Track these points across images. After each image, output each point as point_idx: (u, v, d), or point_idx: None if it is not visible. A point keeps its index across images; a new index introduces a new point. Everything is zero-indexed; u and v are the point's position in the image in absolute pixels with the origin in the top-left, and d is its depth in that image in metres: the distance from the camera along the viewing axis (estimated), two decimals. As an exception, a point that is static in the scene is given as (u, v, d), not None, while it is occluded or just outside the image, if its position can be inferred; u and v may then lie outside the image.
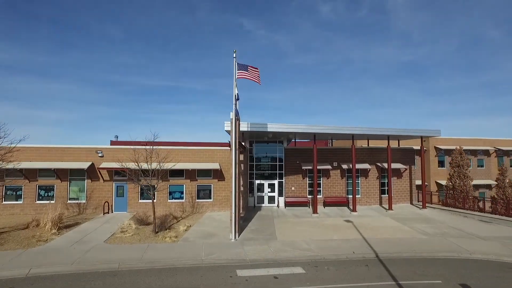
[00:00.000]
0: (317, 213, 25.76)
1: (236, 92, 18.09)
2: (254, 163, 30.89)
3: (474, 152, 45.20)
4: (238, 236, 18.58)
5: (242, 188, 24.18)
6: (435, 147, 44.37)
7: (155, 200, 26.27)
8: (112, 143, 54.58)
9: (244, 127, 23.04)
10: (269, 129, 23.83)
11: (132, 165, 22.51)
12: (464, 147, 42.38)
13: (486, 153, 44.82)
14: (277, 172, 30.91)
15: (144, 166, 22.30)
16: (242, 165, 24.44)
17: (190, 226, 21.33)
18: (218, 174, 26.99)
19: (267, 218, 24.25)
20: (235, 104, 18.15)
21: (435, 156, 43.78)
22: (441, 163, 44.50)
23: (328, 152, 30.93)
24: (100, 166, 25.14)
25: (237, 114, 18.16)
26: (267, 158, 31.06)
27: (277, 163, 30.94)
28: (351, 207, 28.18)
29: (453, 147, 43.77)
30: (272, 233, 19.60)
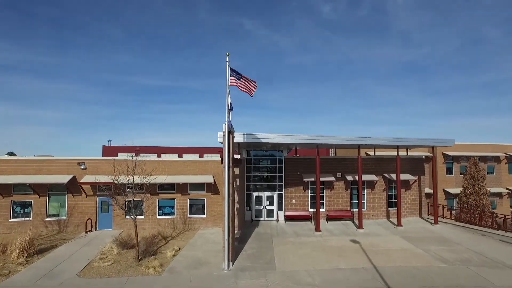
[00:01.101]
0: (320, 230, 23.52)
1: (230, 101, 15.86)
2: (252, 174, 28.67)
3: (483, 159, 43.06)
4: (232, 264, 16.34)
5: (237, 205, 21.96)
6: (443, 154, 42.18)
7: (142, 217, 24.11)
8: (104, 149, 52.36)
9: (239, 137, 20.81)
10: (267, 140, 21.62)
11: (120, 178, 20.33)
12: (474, 154, 40.20)
13: (496, 159, 42.63)
14: (276, 183, 28.69)
15: (129, 180, 20.14)
16: (237, 179, 22.20)
17: (180, 249, 19.09)
18: (212, 188, 24.76)
19: (265, 238, 22.02)
20: (228, 115, 15.92)
21: (443, 162, 41.59)
22: (449, 170, 42.32)
23: (331, 162, 28.70)
24: (81, 181, 22.87)
25: (230, 126, 15.93)
26: (266, 169, 28.85)
27: (276, 174, 28.72)
28: (357, 223, 25.97)
29: (462, 154, 41.63)
30: (271, 259, 17.37)
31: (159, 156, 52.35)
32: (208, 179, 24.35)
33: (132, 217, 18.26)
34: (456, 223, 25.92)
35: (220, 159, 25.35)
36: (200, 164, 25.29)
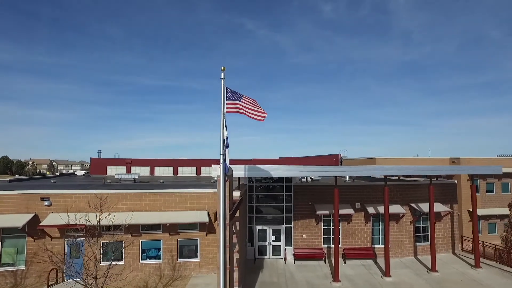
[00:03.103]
0: (338, 280, 19.06)
1: (225, 135, 11.43)
2: (254, 204, 24.26)
3: (510, 175, 38.84)
4: None
5: (237, 248, 17.55)
6: (467, 170, 37.82)
7: (122, 262, 19.72)
8: (93, 162, 47.89)
9: (239, 171, 16.42)
10: (275, 174, 17.31)
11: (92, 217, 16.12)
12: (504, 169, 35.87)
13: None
14: (284, 215, 24.27)
15: (103, 220, 15.99)
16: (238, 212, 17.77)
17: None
18: (206, 226, 20.33)
19: (273, 295, 17.59)
20: (224, 153, 11.48)
21: (467, 180, 37.19)
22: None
23: (348, 190, 24.25)
24: (43, 223, 18.43)
25: (226, 169, 11.48)
26: (271, 197, 24.43)
27: (284, 204, 24.30)
28: (380, 264, 21.59)
29: (488, 170, 37.24)
30: None
31: (152, 169, 47.96)
32: (202, 216, 19.92)
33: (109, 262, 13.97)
34: (504, 267, 21.44)
35: (215, 191, 20.89)
36: (192, 197, 20.85)
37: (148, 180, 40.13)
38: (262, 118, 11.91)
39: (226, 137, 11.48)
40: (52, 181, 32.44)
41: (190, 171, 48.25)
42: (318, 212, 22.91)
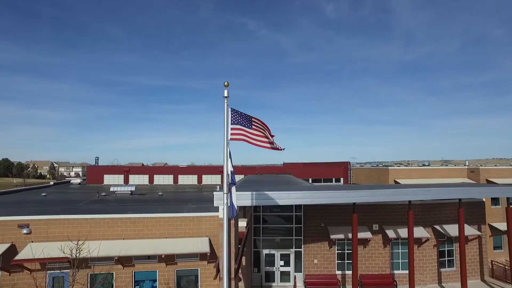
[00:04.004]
0: (358, 319, 16.68)
1: (230, 169, 9.10)
2: (261, 226, 21.93)
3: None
4: None
5: (242, 281, 15.24)
6: (487, 180, 35.31)
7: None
8: (89, 170, 45.71)
9: (245, 200, 14.08)
10: (286, 202, 14.92)
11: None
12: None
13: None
14: (293, 238, 21.92)
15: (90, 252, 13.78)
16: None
17: None
18: (207, 255, 17.99)
19: None
20: (229, 193, 9.13)
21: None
22: (494, 201, 35.20)
23: (364, 210, 21.81)
24: (18, 258, 16.13)
25: (233, 213, 9.13)
26: (279, 219, 22.09)
27: (293, 225, 21.95)
28: (404, 298, 19.19)
29: (510, 180, 34.85)
30: None
31: (151, 178, 45.71)
32: (202, 245, 17.57)
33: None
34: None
35: (217, 214, 18.52)
36: (192, 222, 18.51)
37: (147, 191, 37.89)
38: (277, 147, 9.55)
39: (231, 171, 9.15)
40: (43, 194, 30.26)
41: (191, 180, 45.98)
42: (332, 237, 20.54)
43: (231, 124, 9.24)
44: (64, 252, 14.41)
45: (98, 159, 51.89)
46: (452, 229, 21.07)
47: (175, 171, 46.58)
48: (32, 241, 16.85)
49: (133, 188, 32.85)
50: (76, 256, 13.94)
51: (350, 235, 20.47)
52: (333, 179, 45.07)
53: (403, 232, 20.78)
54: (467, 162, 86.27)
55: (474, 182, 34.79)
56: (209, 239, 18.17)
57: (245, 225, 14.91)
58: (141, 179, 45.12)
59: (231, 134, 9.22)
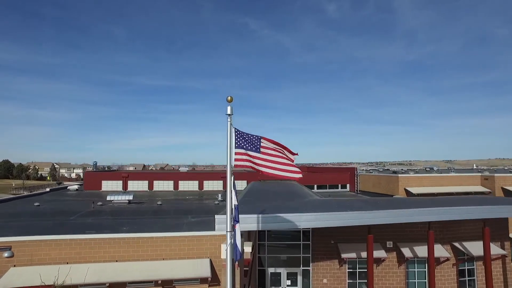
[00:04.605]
0: None
1: (234, 203, 7.56)
2: (266, 242, 20.38)
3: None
4: None
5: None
6: (503, 188, 33.67)
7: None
8: (86, 177, 44.22)
9: (250, 224, 12.54)
10: (297, 224, 13.31)
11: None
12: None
13: None
14: (301, 255, 20.35)
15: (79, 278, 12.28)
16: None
17: None
18: (208, 279, 16.43)
19: None
20: (233, 231, 7.58)
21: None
22: None
23: (378, 226, 20.22)
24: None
25: (237, 255, 7.58)
26: (286, 235, 20.52)
27: (301, 242, 20.38)
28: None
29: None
30: None
31: (150, 184, 44.14)
32: (203, 269, 16.01)
33: None
34: None
35: (219, 234, 16.96)
36: (191, 242, 16.95)
37: (146, 198, 36.38)
38: (297, 176, 7.99)
39: (236, 206, 7.60)
40: (36, 204, 28.79)
41: (192, 186, 44.43)
42: (343, 256, 18.98)
43: (236, 147, 7.71)
44: (49, 278, 12.97)
45: (96, 163, 50.39)
46: (473, 247, 19.49)
47: (175, 176, 45.04)
48: (15, 265, 15.34)
49: (130, 197, 31.34)
50: (61, 284, 12.47)
51: (362, 254, 18.97)
52: (339, 186, 43.45)
53: (420, 251, 19.23)
54: (475, 165, 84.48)
55: (489, 191, 33.21)
56: (210, 261, 16.62)
57: (250, 251, 13.37)
58: (140, 185, 43.62)
59: (236, 159, 7.68)
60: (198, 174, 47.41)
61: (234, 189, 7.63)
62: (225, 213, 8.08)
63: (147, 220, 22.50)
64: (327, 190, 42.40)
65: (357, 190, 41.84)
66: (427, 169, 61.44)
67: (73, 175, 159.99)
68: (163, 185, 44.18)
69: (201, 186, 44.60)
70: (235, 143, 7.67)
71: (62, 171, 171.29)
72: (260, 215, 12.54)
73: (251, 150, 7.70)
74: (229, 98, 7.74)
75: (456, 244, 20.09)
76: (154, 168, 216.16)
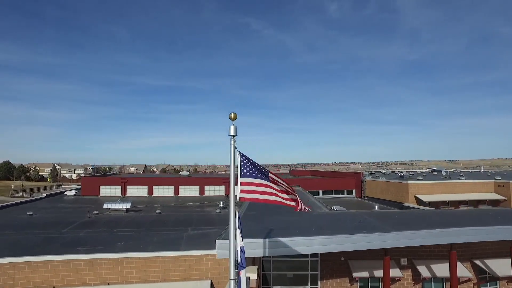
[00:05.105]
0: None
1: (240, 244, 6.12)
2: (271, 259, 18.92)
3: None
4: None
5: None
6: (517, 196, 32.10)
7: None
8: (84, 182, 42.88)
9: (256, 249, 11.10)
10: (308, 249, 11.90)
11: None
12: None
13: None
14: (309, 273, 18.88)
15: None
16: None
17: None
18: (208, 302, 15.05)
19: None
20: (237, 279, 6.14)
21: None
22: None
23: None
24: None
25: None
26: (292, 251, 19.05)
27: (309, 259, 18.90)
28: None
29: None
30: None
31: (150, 189, 42.79)
32: (202, 293, 14.61)
33: None
34: None
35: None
36: (190, 262, 15.56)
37: (145, 205, 35.06)
38: (306, 209, 6.57)
39: (241, 248, 6.18)
40: (29, 213, 27.46)
41: (192, 191, 43.07)
42: (355, 275, 17.52)
43: (241, 176, 6.28)
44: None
45: (94, 168, 49.05)
46: (497, 265, 17.98)
47: (175, 182, 43.68)
48: (-2, 289, 13.98)
49: (128, 205, 29.97)
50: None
51: (375, 273, 17.54)
52: (345, 191, 41.97)
53: (439, 270, 17.74)
54: (482, 168, 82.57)
55: (504, 198, 31.68)
56: (211, 283, 15.24)
57: (255, 278, 11.94)
58: (140, 191, 42.28)
59: (241, 191, 6.25)
60: (199, 179, 46.04)
61: (239, 227, 6.22)
62: (227, 238, 6.71)
63: (144, 233, 21.13)
64: (333, 196, 40.96)
65: (363, 196, 40.37)
66: (434, 172, 59.81)
67: (74, 176, 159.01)
68: (163, 191, 42.84)
69: (202, 191, 43.26)
70: (241, 170, 6.26)
71: (63, 172, 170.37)
72: (267, 240, 11.13)
73: (260, 177, 6.28)
74: (232, 115, 6.33)
75: (478, 262, 18.58)
76: (155, 169, 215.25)
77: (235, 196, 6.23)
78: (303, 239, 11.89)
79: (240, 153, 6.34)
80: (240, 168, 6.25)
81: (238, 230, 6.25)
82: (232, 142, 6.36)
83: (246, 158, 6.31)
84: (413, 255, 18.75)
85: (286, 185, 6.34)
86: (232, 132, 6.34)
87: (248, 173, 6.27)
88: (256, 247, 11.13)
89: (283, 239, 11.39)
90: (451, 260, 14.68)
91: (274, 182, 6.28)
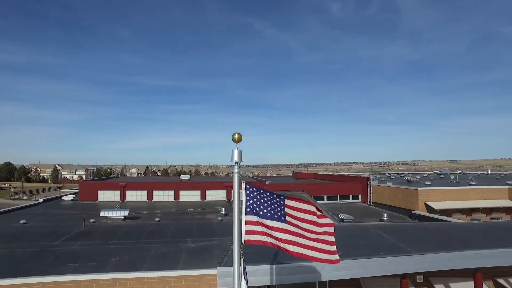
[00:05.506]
0: None
1: (245, 285, 4.78)
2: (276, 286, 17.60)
3: None
4: None
5: None
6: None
7: None
8: (82, 186, 41.69)
9: (261, 277, 9.81)
10: (318, 277, 10.63)
11: None
12: None
13: None
14: (317, 290, 17.58)
15: None
16: None
17: None
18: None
19: None
20: None
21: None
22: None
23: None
24: None
25: None
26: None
27: (316, 281, 17.59)
28: None
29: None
30: None
31: (150, 194, 41.60)
32: (202, 318, 13.32)
33: None
34: None
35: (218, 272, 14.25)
36: (189, 282, 14.22)
37: (144, 211, 33.87)
38: (334, 259, 5.27)
39: (245, 275, 4.87)
40: (21, 222, 26.29)
41: (193, 196, 41.85)
42: (367, 295, 16.20)
43: (247, 214, 4.98)
44: None
45: (95, 170, 47.97)
46: (520, 285, 16.61)
47: (176, 186, 42.47)
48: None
49: (126, 213, 28.76)
50: None
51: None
52: (351, 196, 40.66)
53: (458, 289, 16.40)
54: (489, 170, 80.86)
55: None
56: (212, 306, 13.93)
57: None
58: (139, 196, 41.10)
59: (246, 232, 4.96)
60: (200, 183, 44.84)
61: (245, 276, 4.94)
62: (230, 265, 5.42)
63: (140, 245, 19.89)
64: (338, 201, 39.65)
65: (370, 202, 39.02)
66: (441, 176, 58.36)
67: (75, 177, 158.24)
68: (163, 195, 41.65)
69: (203, 196, 42.04)
70: (246, 207, 4.98)
71: (64, 173, 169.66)
72: (274, 266, 9.85)
73: (271, 218, 4.98)
74: (236, 136, 5.04)
75: (501, 281, 17.23)
76: (157, 169, 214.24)
77: (241, 240, 4.93)
78: (315, 264, 10.62)
79: (246, 184, 5.05)
80: (245, 204, 4.97)
81: (244, 280, 4.98)
82: (235, 170, 5.07)
83: (254, 192, 5.02)
84: (430, 272, 17.43)
85: (319, 228, 4.98)
86: (235, 158, 5.05)
87: (254, 211, 4.97)
88: (261, 275, 9.86)
89: (292, 265, 10.11)
90: (476, 282, 13.36)
91: (291, 224, 4.94)
